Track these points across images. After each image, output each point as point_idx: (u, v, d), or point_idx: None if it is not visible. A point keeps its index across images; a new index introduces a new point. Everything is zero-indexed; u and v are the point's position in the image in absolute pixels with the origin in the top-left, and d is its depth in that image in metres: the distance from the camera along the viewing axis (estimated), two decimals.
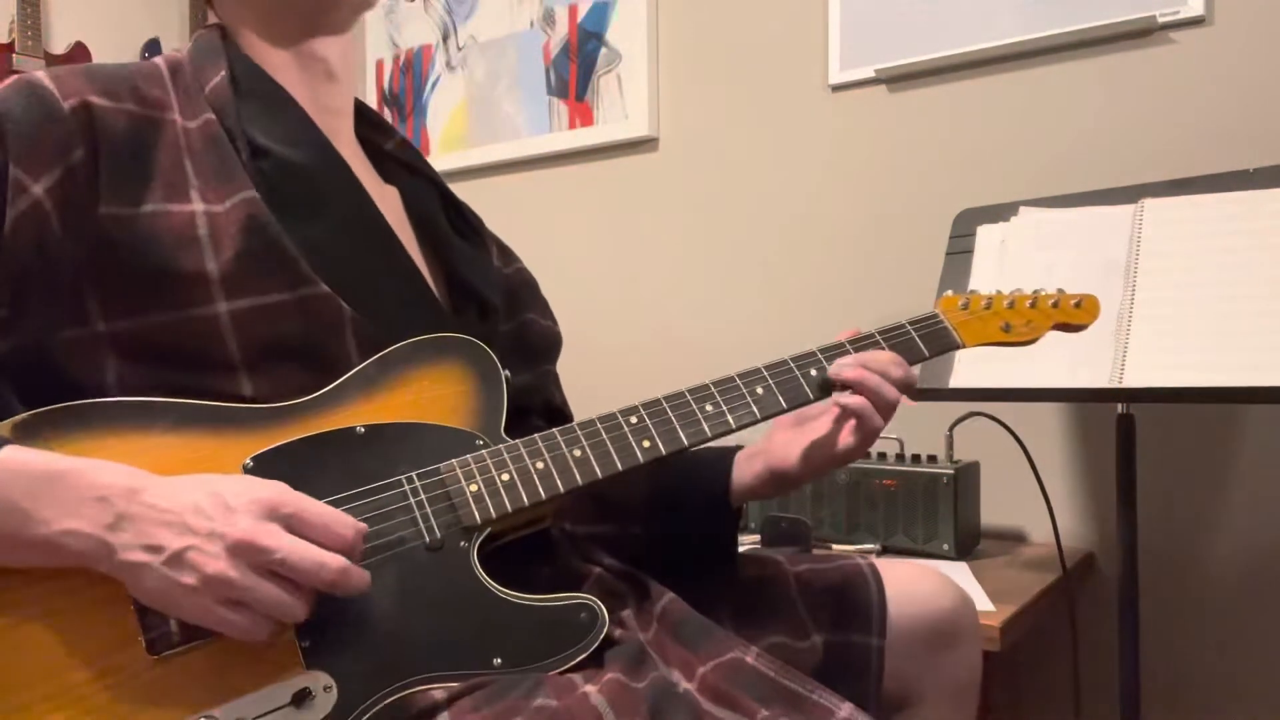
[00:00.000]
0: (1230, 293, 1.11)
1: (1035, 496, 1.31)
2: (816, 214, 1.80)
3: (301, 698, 0.64)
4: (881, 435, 0.85)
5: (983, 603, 1.18)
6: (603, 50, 2.03)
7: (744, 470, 0.92)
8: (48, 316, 0.71)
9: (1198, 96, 1.46)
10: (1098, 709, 1.51)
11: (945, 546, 1.39)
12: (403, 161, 0.96)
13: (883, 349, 0.86)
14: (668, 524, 0.94)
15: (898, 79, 1.71)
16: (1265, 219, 1.14)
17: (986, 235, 1.34)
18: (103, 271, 0.71)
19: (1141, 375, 1.10)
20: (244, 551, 0.62)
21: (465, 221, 0.97)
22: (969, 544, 1.45)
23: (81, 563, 0.62)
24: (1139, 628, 1.24)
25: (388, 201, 0.88)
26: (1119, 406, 1.25)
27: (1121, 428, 1.24)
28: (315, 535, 0.64)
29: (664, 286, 1.98)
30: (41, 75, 0.73)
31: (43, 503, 0.61)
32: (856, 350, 0.86)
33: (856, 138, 1.76)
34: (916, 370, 0.88)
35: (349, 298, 0.76)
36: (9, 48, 2.23)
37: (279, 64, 0.85)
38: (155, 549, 0.61)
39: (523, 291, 1.00)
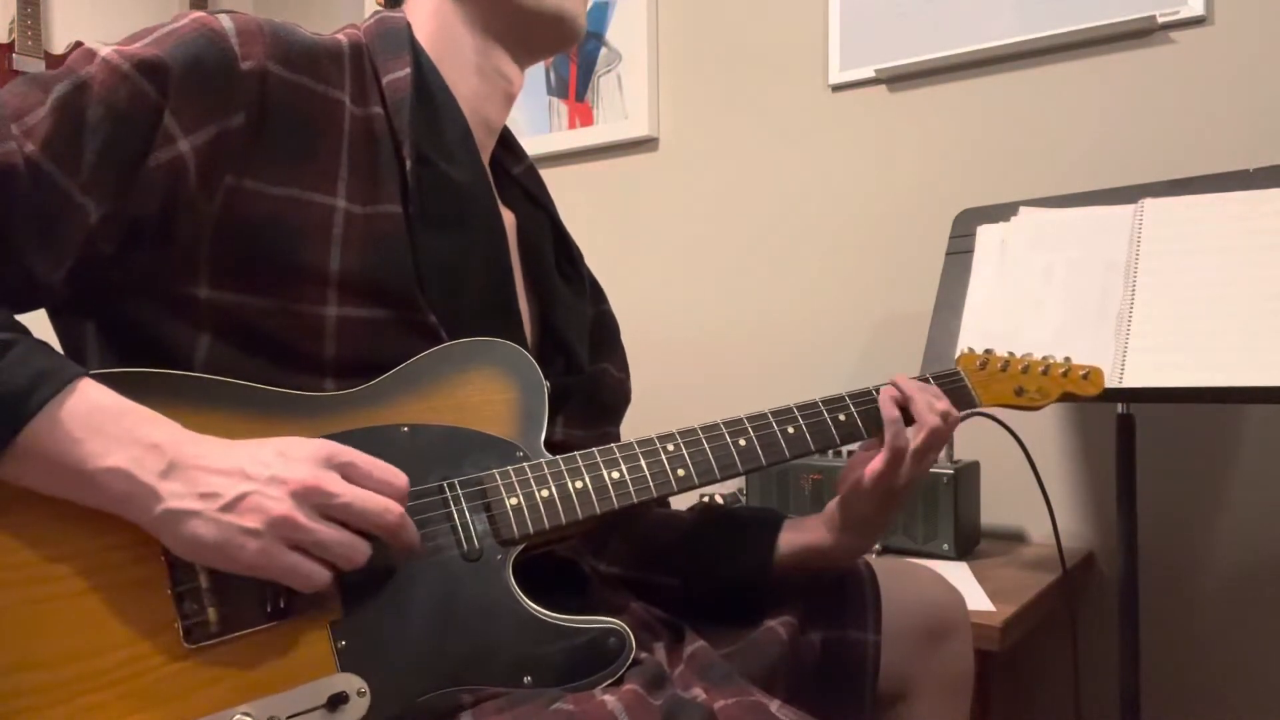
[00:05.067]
0: (1230, 293, 1.11)
1: (1035, 496, 1.31)
2: (816, 214, 1.80)
3: (336, 701, 0.64)
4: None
5: (983, 603, 1.18)
6: (603, 50, 2.03)
7: (796, 536, 0.92)
8: (153, 268, 0.68)
9: (1198, 96, 1.46)
10: (1098, 709, 1.51)
11: (945, 546, 1.39)
12: (526, 189, 0.94)
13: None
14: (708, 583, 0.93)
15: (898, 79, 1.71)
16: (1265, 219, 1.14)
17: (986, 235, 1.34)
18: (224, 239, 0.69)
19: (1141, 375, 1.10)
20: (308, 495, 0.62)
21: (570, 260, 0.95)
22: (969, 544, 1.45)
23: (117, 507, 0.60)
24: (1139, 628, 1.24)
25: (507, 228, 0.87)
26: (1119, 406, 1.25)
27: (1121, 428, 1.24)
28: (371, 485, 0.65)
29: (664, 286, 1.98)
30: (227, 24, 0.69)
31: (93, 436, 0.60)
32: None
33: (856, 138, 1.76)
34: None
35: (449, 326, 0.76)
36: (9, 48, 2.23)
37: (459, 72, 0.83)
38: (210, 496, 0.60)
39: (605, 337, 0.98)
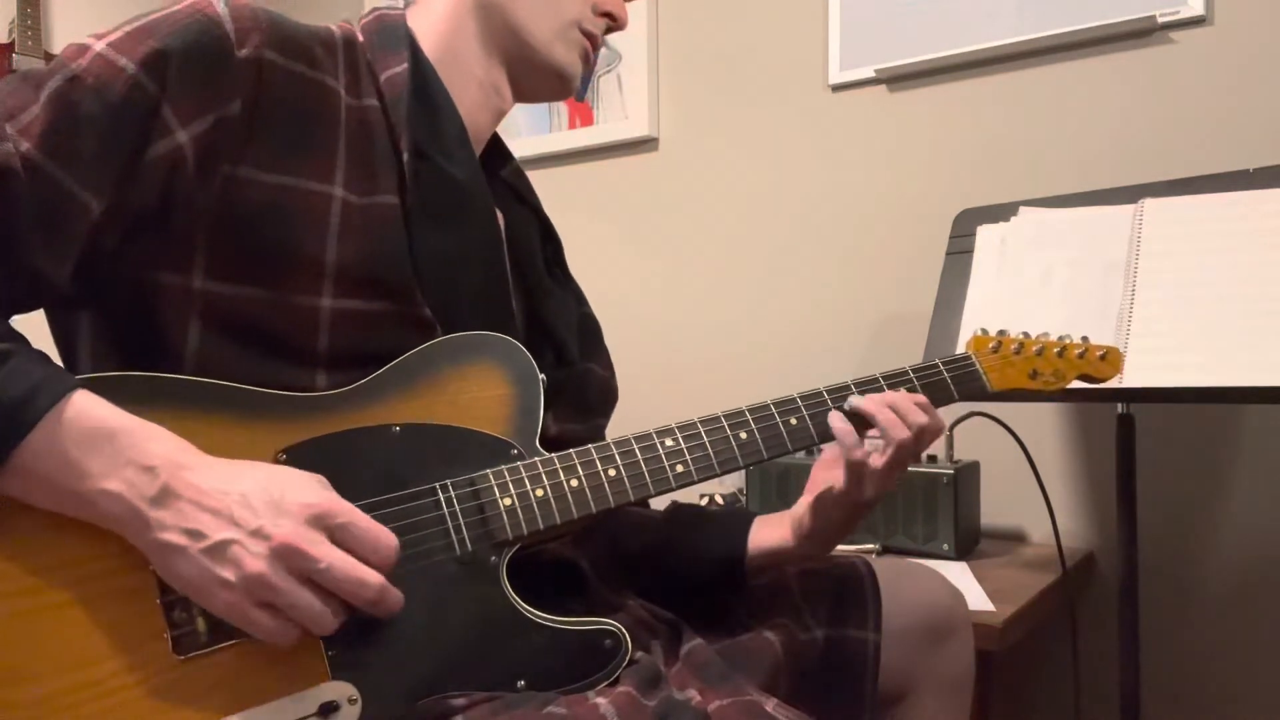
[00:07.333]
0: (1230, 293, 1.11)
1: (1035, 496, 1.31)
2: (816, 214, 1.80)
3: (328, 709, 0.63)
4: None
5: (983, 603, 1.18)
6: (603, 50, 2.02)
7: (765, 534, 0.92)
8: (153, 255, 0.68)
9: (1198, 96, 1.46)
10: (1097, 709, 1.51)
11: (945, 546, 1.39)
12: (514, 189, 0.94)
13: (915, 387, 0.87)
14: (683, 582, 0.93)
15: (898, 79, 1.71)
16: (1265, 219, 1.14)
17: (986, 235, 1.34)
18: (221, 228, 0.68)
19: (1141, 375, 1.10)
20: (287, 555, 0.60)
21: (558, 259, 0.96)
22: (969, 544, 1.45)
23: (114, 527, 0.61)
24: (1139, 628, 1.24)
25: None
26: (1119, 406, 1.25)
27: (1121, 428, 1.24)
28: (358, 549, 0.63)
29: (664, 286, 1.98)
30: (222, 10, 0.69)
31: (90, 455, 0.59)
32: (889, 385, 0.86)
33: (856, 138, 1.76)
34: (944, 417, 0.88)
35: (445, 320, 0.76)
36: (9, 48, 2.23)
37: (459, 80, 0.84)
38: (195, 534, 0.60)
39: (589, 338, 0.98)
